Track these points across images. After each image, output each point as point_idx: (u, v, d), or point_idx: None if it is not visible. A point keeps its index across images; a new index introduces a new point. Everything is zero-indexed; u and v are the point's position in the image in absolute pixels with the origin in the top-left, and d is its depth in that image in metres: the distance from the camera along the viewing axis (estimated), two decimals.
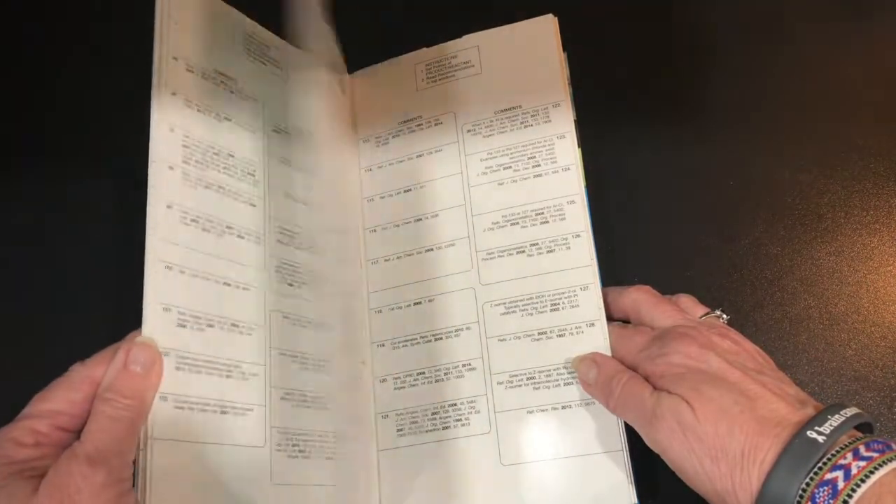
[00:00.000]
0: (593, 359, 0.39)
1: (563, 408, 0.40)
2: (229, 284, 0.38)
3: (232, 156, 0.40)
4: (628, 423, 0.37)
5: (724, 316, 0.40)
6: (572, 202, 0.43)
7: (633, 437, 0.38)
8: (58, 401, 0.32)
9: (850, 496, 0.28)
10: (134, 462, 0.32)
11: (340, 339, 0.43)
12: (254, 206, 0.41)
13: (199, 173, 0.38)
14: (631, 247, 0.46)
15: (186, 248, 0.36)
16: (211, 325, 0.36)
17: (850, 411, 0.31)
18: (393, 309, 0.44)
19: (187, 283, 0.36)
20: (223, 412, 0.36)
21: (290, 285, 0.41)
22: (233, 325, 0.37)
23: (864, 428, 0.32)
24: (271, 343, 0.39)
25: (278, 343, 0.39)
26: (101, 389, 0.32)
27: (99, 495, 0.29)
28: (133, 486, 0.32)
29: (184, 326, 0.35)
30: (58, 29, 0.57)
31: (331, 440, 0.40)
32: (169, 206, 0.36)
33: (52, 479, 0.30)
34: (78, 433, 0.32)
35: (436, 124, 0.47)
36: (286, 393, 0.39)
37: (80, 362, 0.34)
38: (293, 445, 0.38)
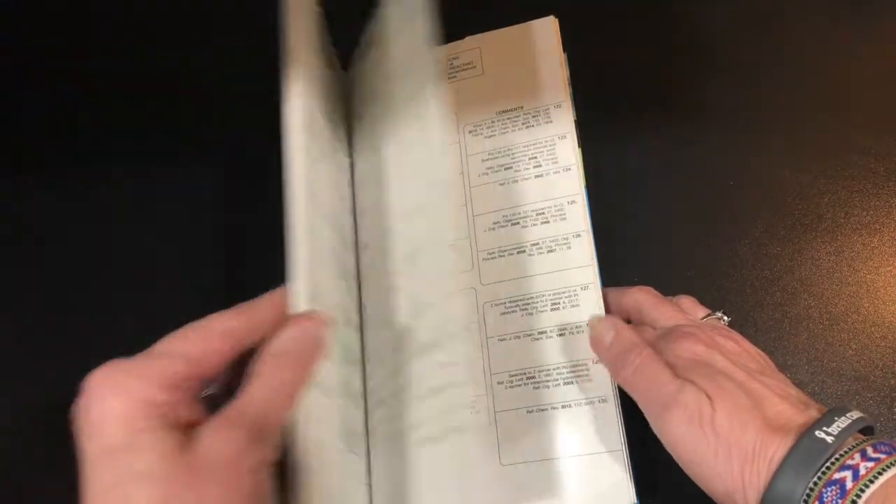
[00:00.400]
0: (613, 323, 0.38)
1: (563, 407, 0.40)
2: None
3: None
4: (636, 400, 0.36)
5: (726, 318, 0.40)
6: (573, 202, 0.43)
7: (633, 437, 0.38)
8: (193, 345, 0.29)
9: (858, 496, 0.28)
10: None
11: None
12: None
13: None
14: (631, 247, 0.46)
15: None
16: None
17: (855, 414, 0.31)
18: None
19: None
20: None
21: None
22: None
23: (866, 432, 0.32)
24: None
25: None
26: (270, 354, 0.29)
27: (253, 474, 0.27)
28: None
29: None
30: None
31: None
32: None
33: (210, 447, 0.26)
34: (207, 385, 0.29)
35: None
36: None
37: (218, 312, 0.30)
38: None
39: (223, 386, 0.31)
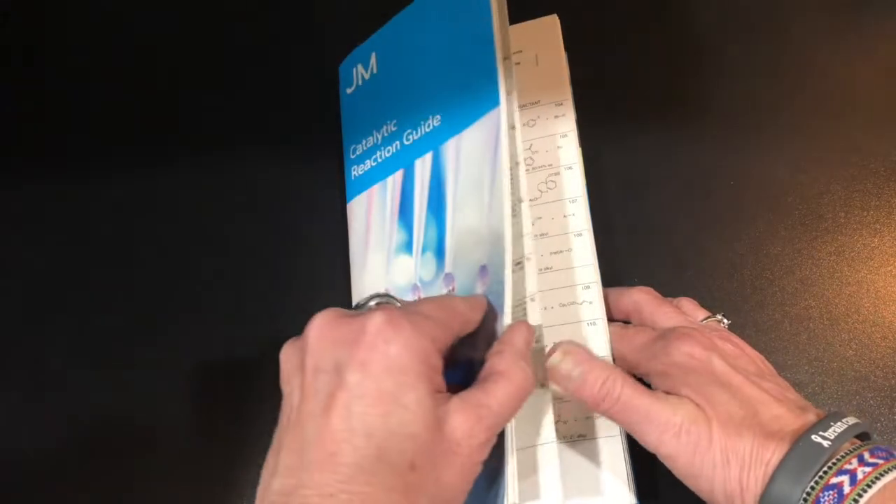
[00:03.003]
0: (578, 357, 0.35)
1: (561, 403, 0.39)
2: None
3: None
4: (625, 428, 0.36)
5: (726, 320, 0.40)
6: (574, 201, 0.43)
7: (633, 437, 0.37)
8: (449, 318, 0.31)
9: (856, 501, 0.28)
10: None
11: None
12: None
13: None
14: (631, 247, 0.46)
15: None
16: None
17: (852, 420, 0.31)
18: None
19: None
20: None
21: None
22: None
23: (863, 438, 0.32)
24: None
25: None
26: (521, 355, 0.32)
27: (479, 468, 0.29)
28: None
29: None
30: None
31: None
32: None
33: (454, 432, 0.28)
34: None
35: None
36: None
37: (447, 295, 0.33)
38: None
39: None
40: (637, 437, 0.35)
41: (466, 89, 0.41)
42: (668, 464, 0.34)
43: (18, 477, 0.45)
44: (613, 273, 0.43)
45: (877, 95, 0.48)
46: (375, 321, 0.28)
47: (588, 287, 0.41)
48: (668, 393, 0.34)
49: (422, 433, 0.27)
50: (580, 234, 0.42)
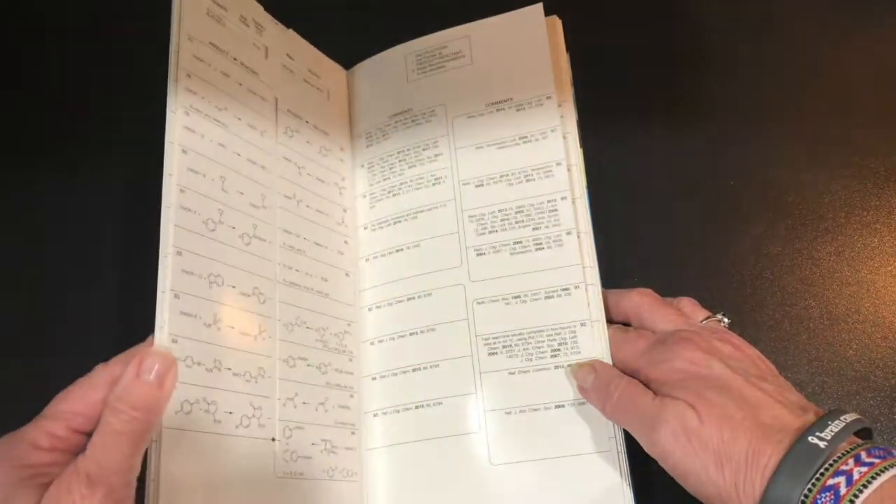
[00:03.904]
0: (592, 365, 0.39)
1: (557, 407, 0.39)
2: None
3: None
4: (626, 428, 0.37)
5: (726, 320, 0.40)
6: (572, 199, 0.42)
7: (631, 439, 0.38)
8: (76, 401, 0.31)
9: (852, 501, 0.28)
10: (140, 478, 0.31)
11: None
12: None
13: None
14: (631, 247, 0.46)
15: None
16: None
17: (850, 417, 0.31)
18: (390, 304, 0.44)
19: None
20: None
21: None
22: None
23: (864, 433, 0.32)
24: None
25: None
26: (111, 398, 0.31)
27: None
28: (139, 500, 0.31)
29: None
30: None
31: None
32: None
33: (53, 495, 0.29)
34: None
35: (426, 118, 0.46)
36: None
37: (103, 363, 0.32)
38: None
39: None
40: (637, 437, 0.35)
41: None
42: (664, 465, 0.34)
43: None
44: (613, 273, 0.43)
45: (877, 95, 0.48)
46: None
47: (587, 288, 0.41)
48: (668, 396, 0.34)
49: None
50: (579, 235, 0.42)
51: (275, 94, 0.43)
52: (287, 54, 0.45)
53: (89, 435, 0.31)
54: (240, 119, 0.40)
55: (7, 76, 0.53)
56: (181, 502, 0.32)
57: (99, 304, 0.45)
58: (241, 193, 0.39)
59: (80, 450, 0.30)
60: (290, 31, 0.46)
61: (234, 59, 0.41)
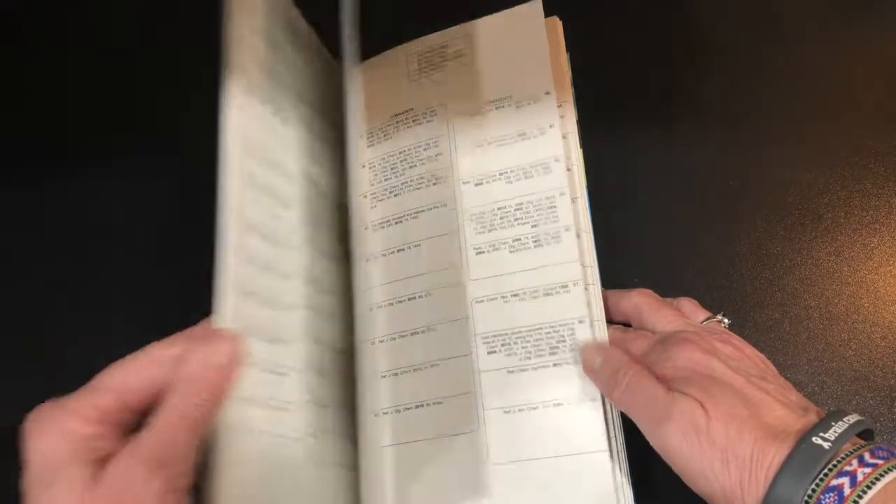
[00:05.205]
0: (600, 346, 0.38)
1: (556, 405, 0.39)
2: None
3: None
4: (631, 417, 0.36)
5: (726, 320, 0.40)
6: (571, 198, 0.42)
7: (631, 438, 0.37)
8: (131, 375, 0.29)
9: (856, 502, 0.28)
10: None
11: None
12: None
13: None
14: (630, 247, 0.46)
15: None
16: None
17: (853, 418, 0.31)
18: (391, 304, 0.44)
19: None
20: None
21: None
22: None
23: (865, 434, 0.32)
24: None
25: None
26: (180, 380, 0.29)
27: (159, 499, 0.27)
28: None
29: None
30: None
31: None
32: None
33: (112, 478, 0.27)
34: (143, 415, 0.29)
35: (427, 117, 0.46)
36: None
37: (157, 341, 0.31)
38: None
39: None
40: (640, 426, 0.35)
41: None
42: (668, 460, 0.34)
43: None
44: (613, 273, 0.43)
45: (877, 96, 0.48)
46: (29, 420, 0.29)
47: (587, 287, 0.41)
48: (676, 391, 0.34)
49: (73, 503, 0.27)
50: (579, 235, 0.42)
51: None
52: None
53: (139, 412, 0.29)
54: None
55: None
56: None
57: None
58: None
59: (128, 427, 0.29)
60: None
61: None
